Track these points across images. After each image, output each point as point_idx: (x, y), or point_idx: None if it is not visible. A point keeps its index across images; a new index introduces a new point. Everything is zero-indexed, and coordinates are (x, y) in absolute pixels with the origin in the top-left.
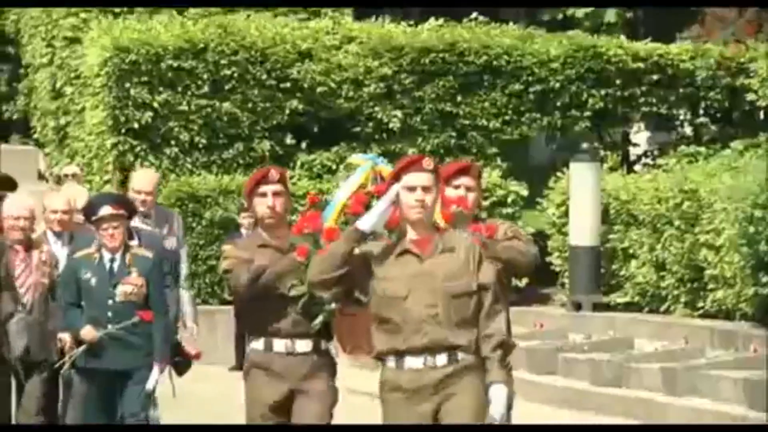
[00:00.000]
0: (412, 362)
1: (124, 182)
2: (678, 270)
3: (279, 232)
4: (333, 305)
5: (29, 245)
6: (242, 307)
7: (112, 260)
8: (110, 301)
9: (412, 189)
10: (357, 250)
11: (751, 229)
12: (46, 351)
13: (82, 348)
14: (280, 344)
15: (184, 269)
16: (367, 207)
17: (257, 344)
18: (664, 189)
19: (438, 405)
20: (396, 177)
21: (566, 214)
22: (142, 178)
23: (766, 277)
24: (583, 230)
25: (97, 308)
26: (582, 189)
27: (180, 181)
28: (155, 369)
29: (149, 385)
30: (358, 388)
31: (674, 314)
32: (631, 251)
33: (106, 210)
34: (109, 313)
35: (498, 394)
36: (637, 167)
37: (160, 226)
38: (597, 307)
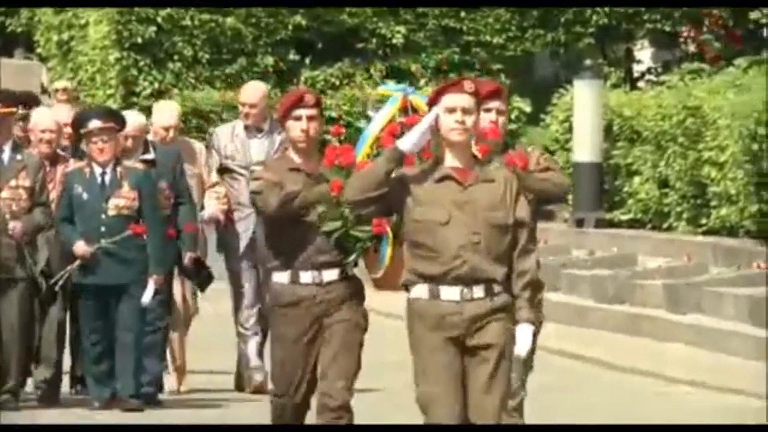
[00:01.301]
0: (449, 293)
1: (126, 96)
2: (681, 187)
3: (310, 157)
4: (368, 244)
5: (55, 160)
6: (269, 233)
7: (103, 174)
8: (102, 216)
9: (452, 110)
10: (394, 173)
11: (755, 146)
12: (67, 265)
13: (75, 264)
14: (306, 276)
15: None
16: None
17: (282, 276)
18: (667, 106)
19: (466, 346)
20: (436, 99)
21: (570, 130)
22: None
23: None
24: (586, 147)
25: (90, 223)
26: (585, 105)
27: (183, 96)
28: (150, 283)
29: (144, 299)
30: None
31: (677, 231)
32: (634, 168)
33: (94, 124)
34: (102, 228)
35: (524, 334)
36: (640, 84)
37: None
38: (600, 223)
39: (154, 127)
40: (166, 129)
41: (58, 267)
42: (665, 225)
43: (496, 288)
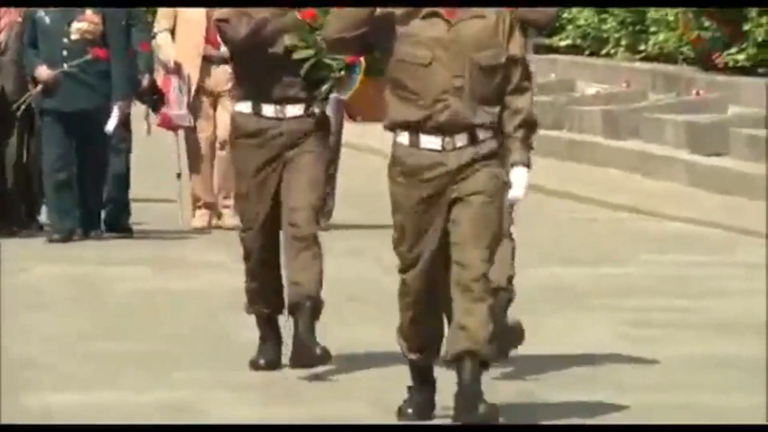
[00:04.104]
0: (429, 141)
1: None
2: (619, 12)
3: None
4: (342, 72)
5: None
6: (234, 62)
7: None
8: (65, 39)
9: None
10: (379, 9)
11: None
12: (24, 92)
13: (38, 88)
14: (269, 109)
15: None
16: None
17: (244, 106)
18: None
19: (450, 199)
20: None
21: None
22: None
23: (708, 20)
24: None
25: (52, 47)
26: None
27: None
28: (114, 109)
29: (108, 126)
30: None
31: (616, 57)
32: None
33: None
34: (64, 52)
35: (519, 176)
36: None
37: None
38: (538, 49)
39: None
40: None
41: (14, 92)
42: (604, 51)
43: (481, 135)
